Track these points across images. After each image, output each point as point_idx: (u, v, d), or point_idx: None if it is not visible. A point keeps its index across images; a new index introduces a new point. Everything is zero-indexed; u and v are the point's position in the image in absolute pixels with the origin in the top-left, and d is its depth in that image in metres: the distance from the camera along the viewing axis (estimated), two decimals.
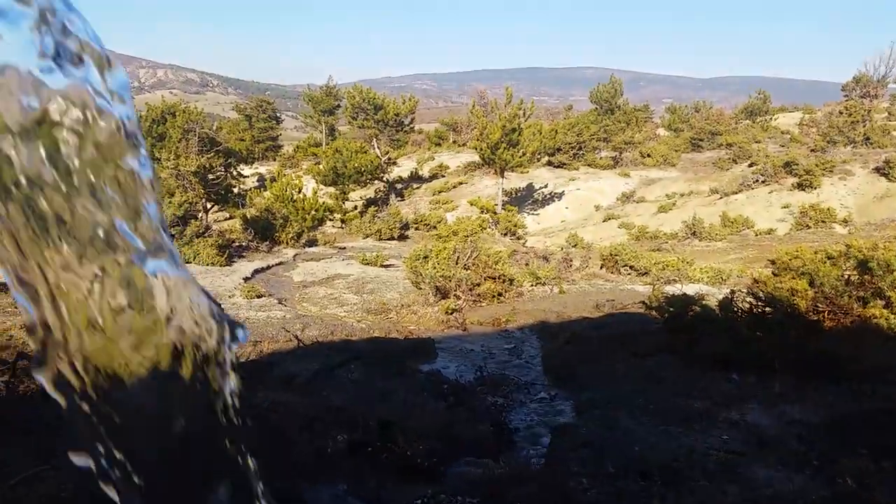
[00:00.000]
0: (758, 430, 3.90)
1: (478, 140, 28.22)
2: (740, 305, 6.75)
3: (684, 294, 7.54)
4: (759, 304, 6.44)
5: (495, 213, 27.95)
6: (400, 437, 3.38)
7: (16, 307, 9.82)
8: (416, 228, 22.65)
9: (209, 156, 27.20)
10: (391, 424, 3.56)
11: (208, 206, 30.56)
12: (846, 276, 6.51)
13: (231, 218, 28.34)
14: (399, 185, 36.08)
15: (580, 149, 36.61)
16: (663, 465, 3.25)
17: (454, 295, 9.72)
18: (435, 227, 22.20)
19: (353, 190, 32.03)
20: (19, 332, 7.94)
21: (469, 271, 10.15)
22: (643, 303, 8.05)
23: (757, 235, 22.76)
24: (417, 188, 36.33)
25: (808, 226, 22.93)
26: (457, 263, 10.33)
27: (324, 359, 6.05)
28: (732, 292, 6.71)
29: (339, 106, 42.22)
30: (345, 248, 18.86)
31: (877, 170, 26.32)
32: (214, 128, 46.32)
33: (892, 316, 5.51)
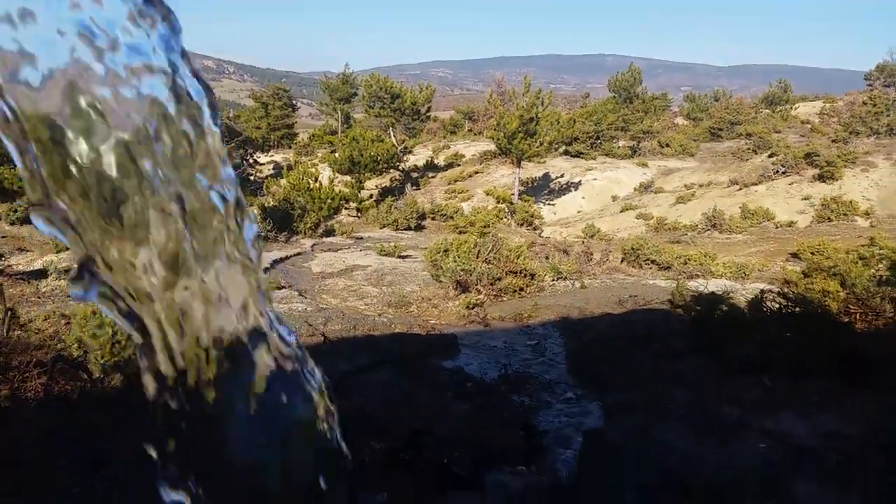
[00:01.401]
0: (795, 440, 3.83)
1: (495, 129, 28.07)
2: (769, 306, 6.65)
3: (712, 293, 7.44)
4: (790, 304, 6.34)
5: (511, 203, 27.84)
6: (432, 445, 3.35)
7: (41, 297, 9.84)
8: (433, 219, 22.61)
9: (228, 146, 27.22)
10: (422, 433, 3.53)
11: None
12: (878, 276, 6.40)
13: (249, 206, 28.29)
14: (415, 174, 36.01)
15: (598, 138, 36.34)
16: (703, 480, 3.19)
17: (475, 289, 9.67)
18: (451, 218, 22.13)
19: (369, 178, 32.00)
20: (44, 324, 7.99)
21: (490, 265, 10.08)
22: (669, 301, 7.96)
23: (777, 228, 22.50)
24: (433, 177, 36.25)
25: (829, 218, 22.63)
26: (478, 257, 10.27)
27: (349, 357, 6.03)
28: (762, 292, 6.61)
29: (355, 94, 42.13)
30: (362, 237, 18.85)
31: None
32: (232, 116, 46.46)
33: None
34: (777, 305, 6.60)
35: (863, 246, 15.86)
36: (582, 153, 35.41)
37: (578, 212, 30.79)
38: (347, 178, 30.54)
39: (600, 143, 36.30)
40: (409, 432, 3.54)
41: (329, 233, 19.15)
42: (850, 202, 23.38)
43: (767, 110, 48.62)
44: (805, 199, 25.03)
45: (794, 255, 15.82)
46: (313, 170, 27.48)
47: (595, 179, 33.17)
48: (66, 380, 4.01)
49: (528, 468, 3.69)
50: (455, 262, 10.06)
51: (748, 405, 4.67)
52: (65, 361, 4.02)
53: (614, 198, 31.32)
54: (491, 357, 7.24)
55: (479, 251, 10.25)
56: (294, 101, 52.27)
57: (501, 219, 25.80)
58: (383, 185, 35.21)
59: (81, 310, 5.39)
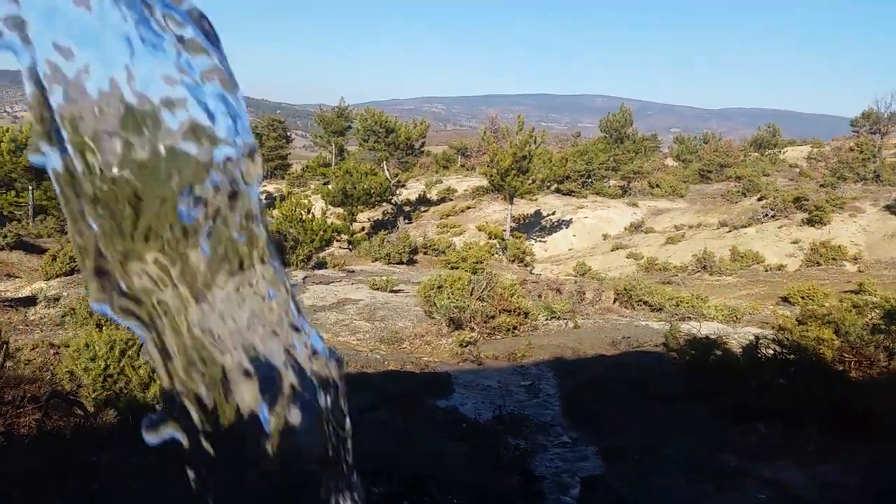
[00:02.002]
0: (793, 491, 3.82)
1: (488, 166, 28.31)
2: (764, 352, 6.68)
3: (706, 337, 7.47)
4: (784, 351, 6.37)
5: (503, 238, 27.94)
6: (434, 490, 3.31)
7: (29, 325, 9.71)
8: (425, 253, 22.63)
9: None
10: (422, 476, 3.50)
11: None
12: (872, 325, 6.45)
13: None
14: (407, 208, 36.16)
15: (589, 177, 36.69)
16: None
17: (469, 327, 9.65)
18: (444, 253, 22.17)
19: (362, 211, 32.10)
20: (33, 354, 7.88)
21: (484, 303, 10.09)
22: (663, 344, 7.98)
23: (767, 271, 22.67)
24: (425, 211, 36.40)
25: (818, 262, 22.84)
26: (471, 294, 10.28)
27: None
28: (757, 338, 6.64)
29: (349, 127, 42.47)
30: (353, 271, 18.81)
31: (887, 207, 26.29)
32: None
33: None
34: (772, 352, 6.63)
35: (852, 292, 16.01)
36: (573, 191, 35.72)
37: (569, 249, 30.93)
38: (340, 210, 30.62)
39: (591, 182, 36.66)
40: (409, 477, 3.50)
41: (321, 265, 19.12)
42: (839, 247, 23.64)
43: (756, 153, 49.39)
44: (794, 242, 25.29)
45: (785, 300, 15.93)
46: (306, 201, 27.53)
47: (586, 218, 33.40)
48: (60, 415, 3.95)
49: None
50: (449, 298, 10.06)
51: (745, 452, 4.66)
52: (59, 397, 3.97)
53: (605, 236, 31.52)
54: (485, 397, 7.20)
55: (472, 288, 10.25)
56: (288, 133, 52.61)
57: (493, 255, 25.85)
58: (376, 218, 35.31)
59: (73, 342, 5.33)
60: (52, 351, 8.01)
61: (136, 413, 4.52)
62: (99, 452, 3.44)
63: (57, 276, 13.18)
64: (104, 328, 5.56)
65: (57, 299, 11.18)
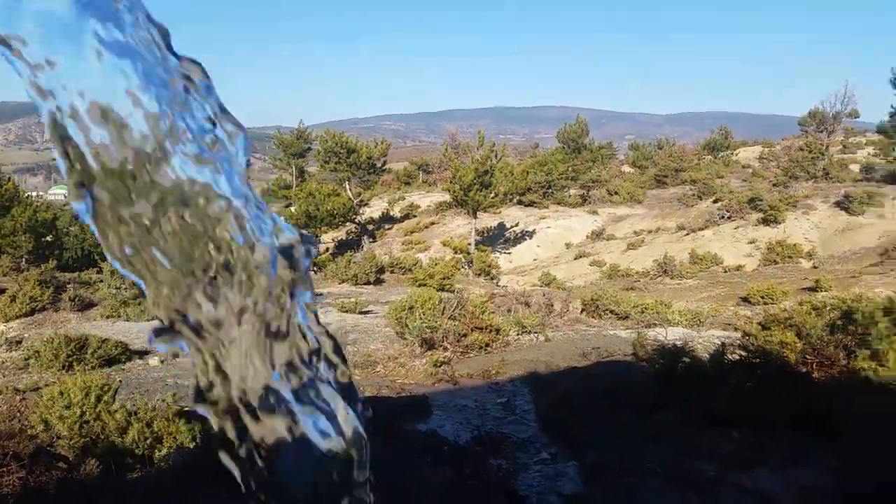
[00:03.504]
0: (771, 497, 3.96)
1: (451, 182, 28.52)
2: (730, 357, 6.88)
3: (673, 345, 7.65)
4: (750, 356, 6.57)
5: (469, 253, 28.09)
6: None
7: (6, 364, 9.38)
8: (392, 272, 22.62)
9: None
10: None
11: None
12: (831, 324, 6.70)
13: None
14: (371, 226, 36.11)
15: (549, 188, 37.16)
16: None
17: (441, 346, 9.71)
18: (410, 271, 22.18)
19: (325, 232, 31.97)
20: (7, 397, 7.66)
21: (456, 322, 10.16)
22: (633, 353, 8.14)
23: (726, 272, 23.24)
24: (389, 229, 36.41)
25: (775, 261, 23.51)
26: (443, 314, 10.34)
27: None
28: (723, 345, 6.84)
29: (309, 149, 42.33)
30: (321, 294, 18.69)
31: (837, 204, 27.22)
32: None
33: (880, 368, 5.67)
34: (738, 357, 6.83)
35: (809, 289, 16.52)
36: (535, 202, 36.14)
37: (534, 260, 31.25)
38: (304, 232, 30.40)
39: (552, 192, 37.14)
40: None
41: None
42: (794, 245, 24.38)
43: (710, 156, 50.65)
44: (751, 242, 26.00)
45: (745, 300, 16.36)
46: None
47: (549, 228, 33.82)
48: (42, 469, 3.88)
49: None
50: (421, 319, 10.10)
51: (722, 460, 4.80)
52: (44, 453, 3.90)
53: (568, 245, 31.94)
54: (463, 417, 7.25)
55: (444, 308, 10.32)
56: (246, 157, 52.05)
57: (459, 269, 25.96)
58: (340, 238, 35.18)
59: (48, 390, 5.23)
60: (18, 397, 7.80)
61: (117, 460, 4.46)
62: None
63: (17, 318, 12.83)
64: (78, 374, 5.46)
65: (19, 342, 10.89)
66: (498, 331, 10.16)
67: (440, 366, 9.11)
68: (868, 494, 3.78)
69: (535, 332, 10.65)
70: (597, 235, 31.96)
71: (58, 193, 60.52)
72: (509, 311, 12.39)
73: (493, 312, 10.83)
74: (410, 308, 10.57)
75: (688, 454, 4.99)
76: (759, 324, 6.90)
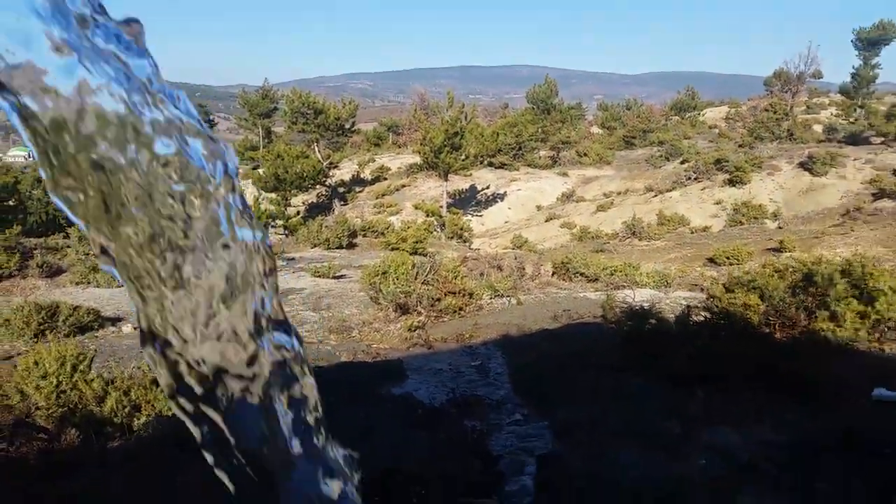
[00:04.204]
0: (732, 452, 4.17)
1: (421, 144, 28.36)
2: (695, 319, 7.11)
3: (641, 307, 7.86)
4: (714, 318, 6.81)
5: (441, 216, 28.12)
6: (402, 485, 3.48)
7: None
8: (364, 236, 22.60)
9: None
10: (390, 472, 3.66)
11: None
12: (793, 288, 6.95)
13: None
14: (342, 189, 35.84)
15: (520, 149, 37.17)
16: (659, 498, 3.47)
17: (416, 311, 9.83)
18: (383, 234, 22.18)
19: (295, 195, 31.66)
20: None
21: (429, 286, 10.26)
22: (602, 316, 8.35)
23: (693, 233, 23.68)
24: (360, 191, 36.18)
25: (740, 222, 23.99)
26: (416, 278, 10.43)
27: None
28: (688, 307, 7.06)
29: (275, 109, 41.54)
30: (293, 258, 18.64)
31: (801, 164, 27.72)
32: None
33: (838, 328, 5.94)
34: (702, 318, 7.07)
35: (774, 250, 16.95)
36: (505, 164, 36.16)
37: (506, 222, 31.43)
38: (273, 195, 30.11)
39: (522, 154, 37.16)
40: (376, 473, 3.66)
41: None
42: (759, 206, 24.88)
43: (677, 117, 51.02)
44: (717, 203, 26.46)
45: (711, 260, 16.76)
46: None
47: (519, 190, 33.94)
48: (22, 440, 3.91)
49: (491, 499, 3.87)
50: (394, 284, 10.18)
51: (686, 418, 5.02)
52: (24, 425, 3.92)
53: (538, 207, 32.15)
54: (438, 381, 7.40)
55: (417, 273, 10.41)
56: (211, 117, 50.98)
57: (432, 233, 26.02)
58: (310, 202, 34.88)
59: (23, 360, 5.22)
60: None
61: (97, 429, 4.50)
62: (70, 479, 3.44)
63: None
64: (51, 343, 5.45)
65: None
66: (471, 295, 10.30)
67: (415, 330, 9.25)
68: (822, 447, 4.01)
69: (508, 296, 10.82)
70: (567, 197, 32.20)
71: (17, 155, 58.58)
72: (482, 274, 12.54)
73: (465, 276, 10.95)
74: (384, 273, 10.64)
75: (655, 413, 5.20)
76: (724, 286, 7.13)
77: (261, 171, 30.10)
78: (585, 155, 38.36)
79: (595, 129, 51.55)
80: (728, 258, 15.49)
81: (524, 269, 12.97)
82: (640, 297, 10.69)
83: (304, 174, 29.49)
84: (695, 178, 28.89)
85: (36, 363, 5.16)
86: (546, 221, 29.17)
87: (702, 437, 4.40)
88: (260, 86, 44.15)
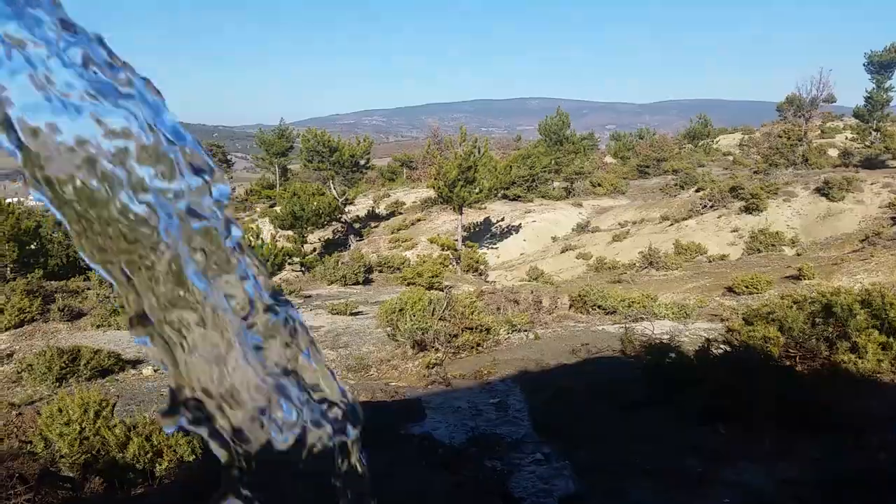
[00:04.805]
0: (756, 490, 4.13)
1: (435, 178, 28.59)
2: (715, 353, 7.06)
3: (660, 341, 7.83)
4: (734, 351, 6.76)
5: (456, 249, 28.21)
6: None
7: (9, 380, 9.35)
8: (380, 271, 22.70)
9: None
10: None
11: None
12: (812, 319, 6.90)
13: None
14: (357, 225, 36.12)
15: (533, 181, 37.35)
16: None
17: (433, 347, 9.83)
18: (399, 269, 22.28)
19: (311, 232, 31.96)
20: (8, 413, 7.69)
21: (446, 322, 10.29)
22: (621, 351, 8.32)
23: (711, 262, 23.53)
24: (376, 226, 36.43)
25: (758, 249, 23.83)
26: (433, 314, 10.46)
27: None
28: (708, 341, 7.01)
29: (291, 147, 42.15)
30: (310, 296, 18.75)
31: (817, 190, 27.55)
32: None
33: (860, 360, 5.87)
34: (722, 351, 7.02)
35: (793, 278, 16.80)
36: (520, 196, 36.31)
37: (521, 254, 31.44)
38: (289, 233, 30.42)
39: (536, 185, 37.33)
40: None
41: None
42: (777, 233, 24.71)
43: (690, 145, 51.06)
44: (734, 231, 26.33)
45: (730, 290, 16.63)
46: (254, 226, 27.23)
47: (534, 222, 34.00)
48: (48, 489, 3.96)
49: None
50: (411, 321, 10.22)
51: (708, 455, 4.97)
52: (50, 474, 3.98)
53: (554, 238, 32.15)
54: (457, 419, 7.39)
55: (433, 309, 10.44)
56: (228, 157, 51.85)
57: (447, 266, 26.09)
58: (327, 238, 35.15)
59: (46, 408, 5.30)
60: (14, 412, 7.84)
61: (120, 476, 4.55)
62: None
63: (6, 330, 12.80)
64: (74, 389, 5.53)
65: (10, 354, 10.88)
66: (488, 330, 10.30)
67: (432, 367, 9.25)
68: (848, 484, 3.96)
69: (525, 330, 10.81)
70: (582, 228, 32.20)
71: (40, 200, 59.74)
72: (498, 308, 12.54)
73: (482, 311, 10.97)
74: (401, 310, 10.68)
75: (677, 450, 5.16)
76: (743, 318, 7.08)
77: (277, 209, 30.44)
78: (599, 185, 38.45)
79: (608, 159, 51.69)
80: (747, 287, 15.36)
81: (541, 302, 12.97)
82: (659, 329, 10.63)
83: (320, 211, 29.80)
84: (710, 206, 28.79)
85: (59, 410, 5.24)
86: (562, 252, 29.14)
87: (724, 475, 4.35)
88: (276, 125, 44.95)
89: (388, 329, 10.94)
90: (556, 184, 39.33)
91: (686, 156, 45.39)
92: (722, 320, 11.50)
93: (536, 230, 33.50)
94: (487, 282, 24.45)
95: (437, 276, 19.80)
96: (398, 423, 7.07)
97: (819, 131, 47.51)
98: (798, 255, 22.49)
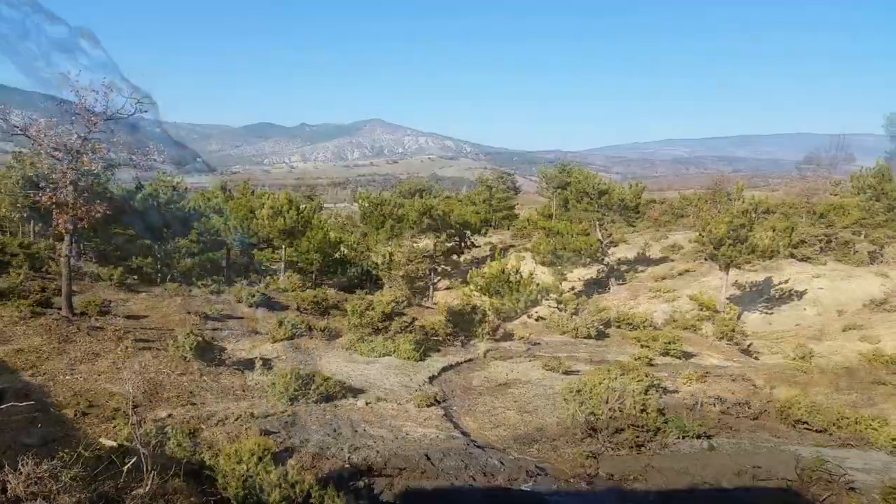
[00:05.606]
0: None
1: (699, 234, 27.43)
2: None
3: (849, 485, 7.23)
4: None
5: (716, 311, 26.77)
6: None
7: (246, 391, 12.03)
8: (618, 327, 22.69)
9: (439, 238, 30.34)
10: None
11: (435, 279, 33.50)
12: None
13: (465, 282, 30.58)
14: (623, 267, 36.01)
15: (829, 241, 33.42)
16: None
17: (596, 437, 10.12)
18: (637, 328, 22.05)
19: (571, 270, 32.79)
20: (219, 433, 10.09)
21: (614, 414, 10.47)
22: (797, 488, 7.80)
23: None
24: (641, 271, 35.92)
25: None
26: (606, 403, 10.72)
27: None
28: None
29: (569, 182, 43.45)
30: (538, 343, 19.68)
31: None
32: (456, 195, 50.44)
33: None
34: None
35: None
36: (809, 258, 32.77)
37: (796, 325, 28.45)
38: (548, 269, 31.71)
39: (833, 246, 33.29)
40: None
41: (507, 337, 20.28)
42: None
43: None
44: None
45: None
46: (513, 261, 28.97)
47: (821, 289, 30.47)
48: None
49: None
50: (584, 405, 10.62)
51: None
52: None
53: (840, 313, 28.47)
54: None
55: (608, 398, 10.69)
56: (517, 184, 55.09)
57: (700, 329, 24.95)
58: (590, 277, 35.70)
59: (226, 449, 7.15)
60: (244, 426, 10.15)
61: None
62: None
63: (281, 341, 16.02)
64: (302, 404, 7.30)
65: (270, 368, 13.67)
66: (657, 431, 10.23)
67: (587, 458, 9.59)
68: None
69: (703, 436, 10.43)
70: (879, 304, 27.98)
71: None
72: (697, 404, 12.15)
73: (654, 409, 10.84)
74: (578, 391, 11.12)
75: None
76: None
77: (541, 245, 31.92)
78: None
79: None
80: None
81: (749, 404, 12.17)
82: (861, 463, 9.41)
83: (581, 251, 30.52)
84: None
85: (265, 450, 7.06)
86: (843, 331, 25.79)
87: None
88: (575, 150, 46.60)
89: (568, 406, 11.41)
90: (859, 246, 34.60)
91: None
92: None
93: (822, 299, 29.98)
94: (742, 354, 22.83)
95: (674, 343, 19.25)
96: None
97: None
98: None
